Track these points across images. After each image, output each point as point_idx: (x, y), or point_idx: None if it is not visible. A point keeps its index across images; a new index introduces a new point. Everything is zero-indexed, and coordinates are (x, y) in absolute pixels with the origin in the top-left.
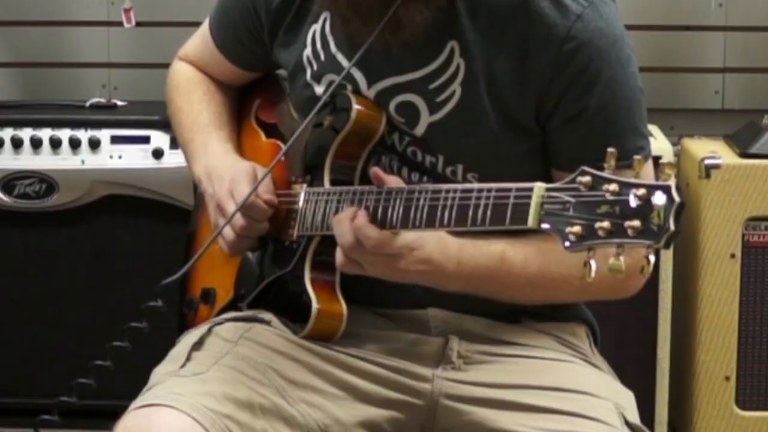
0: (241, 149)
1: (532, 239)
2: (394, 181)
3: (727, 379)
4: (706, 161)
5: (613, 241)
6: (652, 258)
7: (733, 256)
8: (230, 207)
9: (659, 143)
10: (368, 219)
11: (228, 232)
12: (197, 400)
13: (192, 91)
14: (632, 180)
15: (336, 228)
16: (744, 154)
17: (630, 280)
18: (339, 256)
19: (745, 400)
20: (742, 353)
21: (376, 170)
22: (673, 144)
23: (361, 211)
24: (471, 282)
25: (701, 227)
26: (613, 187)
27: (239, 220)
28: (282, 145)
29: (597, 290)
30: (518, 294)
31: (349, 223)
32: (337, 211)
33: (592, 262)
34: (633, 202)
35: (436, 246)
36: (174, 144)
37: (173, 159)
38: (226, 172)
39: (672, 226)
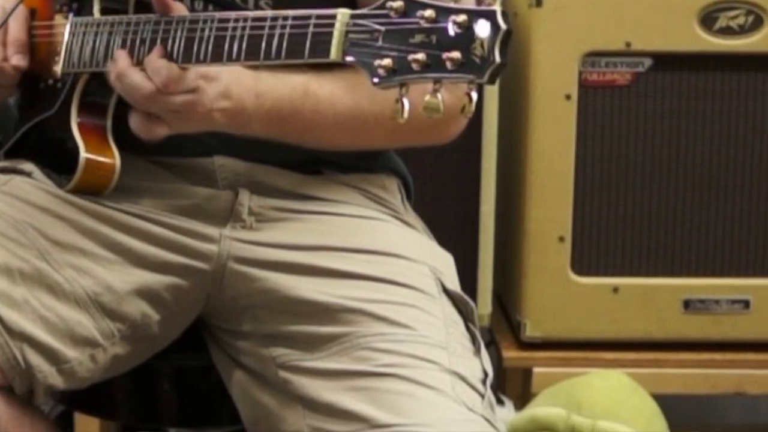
0: None
1: (339, 72)
2: (180, 9)
3: (562, 240)
4: None
5: (430, 76)
6: (474, 95)
7: (568, 97)
8: None
9: None
10: (160, 54)
11: None
12: None
13: None
14: (451, 5)
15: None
16: None
17: (449, 122)
18: (135, 119)
19: (582, 265)
20: (579, 210)
21: None
22: None
23: (156, 48)
24: (273, 121)
25: (531, 64)
26: (429, 12)
27: None
28: None
29: (411, 134)
30: (325, 137)
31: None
32: (108, 45)
33: (405, 100)
34: (452, 31)
35: (231, 77)
36: None
37: None
38: None
39: (497, 58)
